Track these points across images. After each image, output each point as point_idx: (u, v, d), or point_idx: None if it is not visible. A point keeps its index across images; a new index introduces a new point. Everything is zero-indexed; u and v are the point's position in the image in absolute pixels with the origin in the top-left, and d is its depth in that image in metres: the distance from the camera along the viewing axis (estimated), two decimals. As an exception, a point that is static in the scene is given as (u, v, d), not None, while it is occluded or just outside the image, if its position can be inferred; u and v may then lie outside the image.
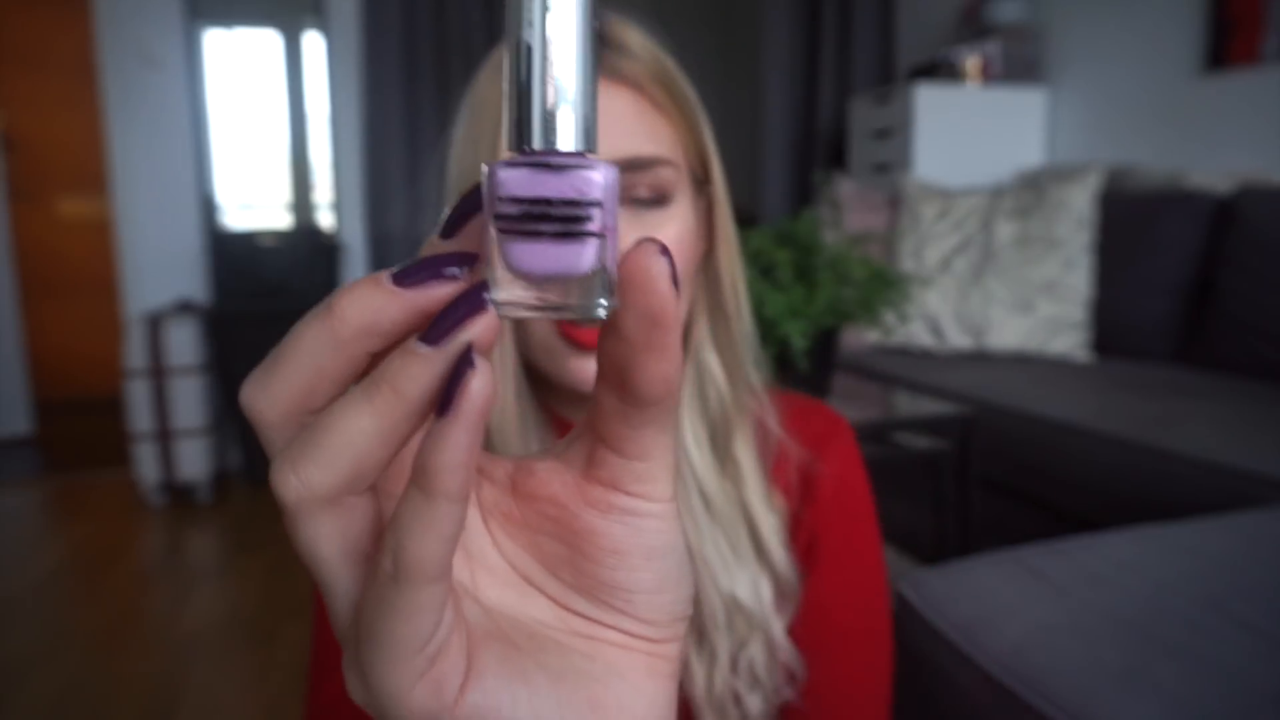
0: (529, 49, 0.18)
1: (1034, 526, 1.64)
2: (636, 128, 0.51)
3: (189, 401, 2.75)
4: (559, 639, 0.22)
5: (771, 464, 0.60)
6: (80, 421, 3.78)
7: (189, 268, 3.18)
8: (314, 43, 3.40)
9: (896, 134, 2.84)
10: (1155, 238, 2.14)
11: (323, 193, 3.54)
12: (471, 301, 0.18)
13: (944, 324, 2.32)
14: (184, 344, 2.72)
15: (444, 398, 0.18)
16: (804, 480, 0.62)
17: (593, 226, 0.18)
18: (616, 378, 0.20)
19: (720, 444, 0.58)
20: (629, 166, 0.51)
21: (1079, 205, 2.24)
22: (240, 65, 3.36)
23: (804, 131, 3.61)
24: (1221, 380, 1.89)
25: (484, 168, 0.19)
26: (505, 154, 0.19)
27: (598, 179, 0.18)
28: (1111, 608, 0.83)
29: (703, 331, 0.58)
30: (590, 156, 0.19)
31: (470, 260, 0.19)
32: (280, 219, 3.56)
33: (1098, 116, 2.66)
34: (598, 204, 0.18)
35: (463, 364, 0.18)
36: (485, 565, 0.23)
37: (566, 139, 0.19)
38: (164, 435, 2.74)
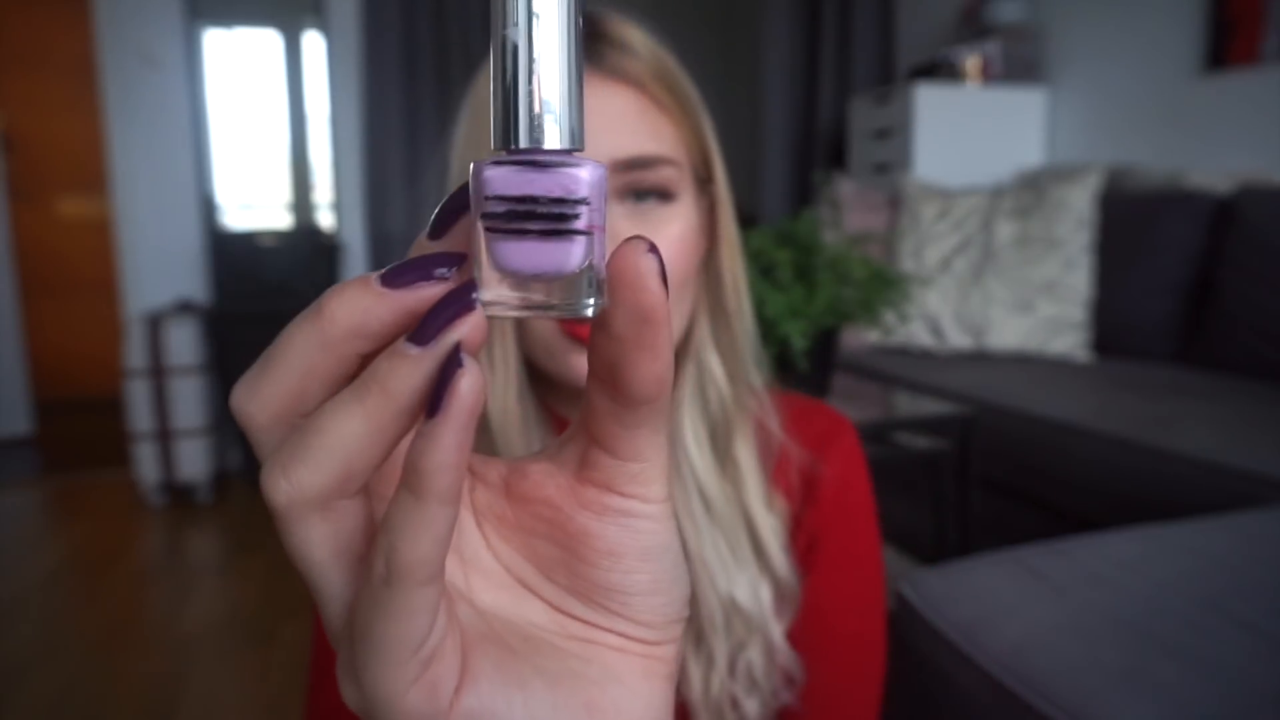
0: (514, 47, 0.18)
1: (1034, 526, 1.64)
2: (639, 126, 0.51)
3: (189, 401, 2.75)
4: (554, 642, 0.22)
5: (772, 465, 0.60)
6: (80, 421, 3.78)
7: (189, 268, 3.18)
8: (314, 43, 3.40)
9: (896, 134, 2.84)
10: (1155, 238, 2.14)
11: (323, 193, 3.54)
12: (459, 301, 0.18)
13: (944, 324, 2.32)
14: (184, 344, 2.72)
15: (433, 398, 0.17)
16: (805, 482, 0.61)
17: (580, 224, 0.18)
18: (608, 377, 0.19)
19: (721, 445, 0.57)
20: (632, 165, 0.50)
21: (1079, 205, 2.24)
22: (240, 65, 3.36)
23: (804, 131, 3.61)
24: (1221, 380, 1.89)
25: (471, 166, 0.18)
26: (492, 153, 0.19)
27: (584, 177, 0.18)
28: (1111, 608, 0.83)
29: (704, 331, 0.57)
30: (577, 155, 0.19)
31: (459, 260, 0.19)
32: (280, 219, 3.56)
33: (1098, 116, 2.66)
34: (585, 202, 0.18)
35: (451, 364, 0.18)
36: (479, 568, 0.23)
37: (553, 137, 0.18)
38: (164, 435, 2.74)
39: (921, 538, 1.67)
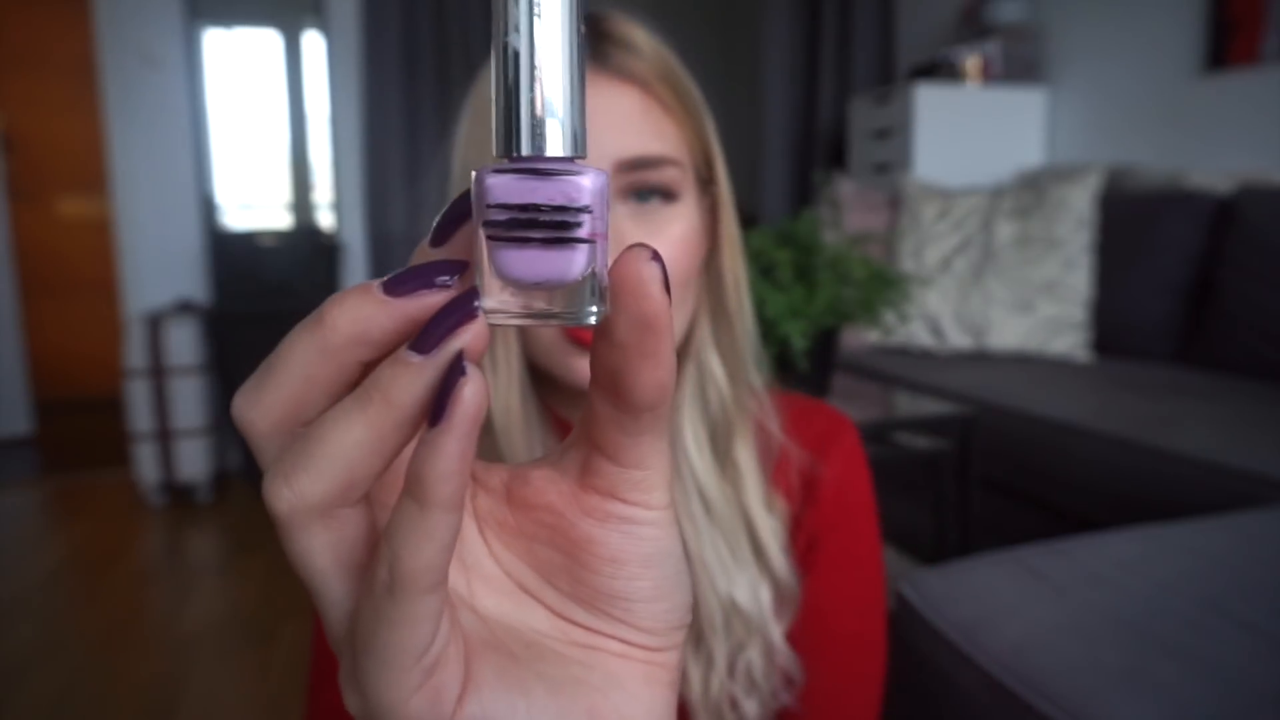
0: (516, 54, 0.18)
1: (1034, 526, 1.64)
2: (643, 126, 0.51)
3: (189, 401, 2.75)
4: (557, 648, 0.22)
5: (773, 466, 0.60)
6: (80, 421, 3.78)
7: (189, 268, 3.18)
8: (314, 43, 3.40)
9: (896, 134, 2.84)
10: (1155, 238, 2.14)
11: (323, 193, 3.54)
12: (462, 309, 0.18)
13: (944, 324, 2.32)
14: (184, 344, 2.72)
15: (436, 406, 0.17)
16: (805, 483, 0.61)
17: (582, 232, 0.18)
18: (610, 384, 0.19)
19: (721, 446, 0.57)
20: (636, 165, 0.50)
21: (1079, 205, 2.24)
22: (240, 65, 3.36)
23: (804, 131, 3.61)
24: (1221, 380, 1.89)
25: (473, 174, 0.18)
26: (494, 160, 0.19)
27: (587, 184, 0.18)
28: (1111, 608, 0.83)
29: (704, 332, 0.57)
30: (579, 162, 0.19)
31: (461, 268, 0.19)
32: (280, 219, 3.56)
33: (1098, 116, 2.66)
34: (587, 210, 0.18)
35: (454, 372, 0.17)
36: (482, 575, 0.23)
37: (555, 144, 0.18)
38: (164, 435, 2.74)
39: (921, 538, 1.67)
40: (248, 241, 3.27)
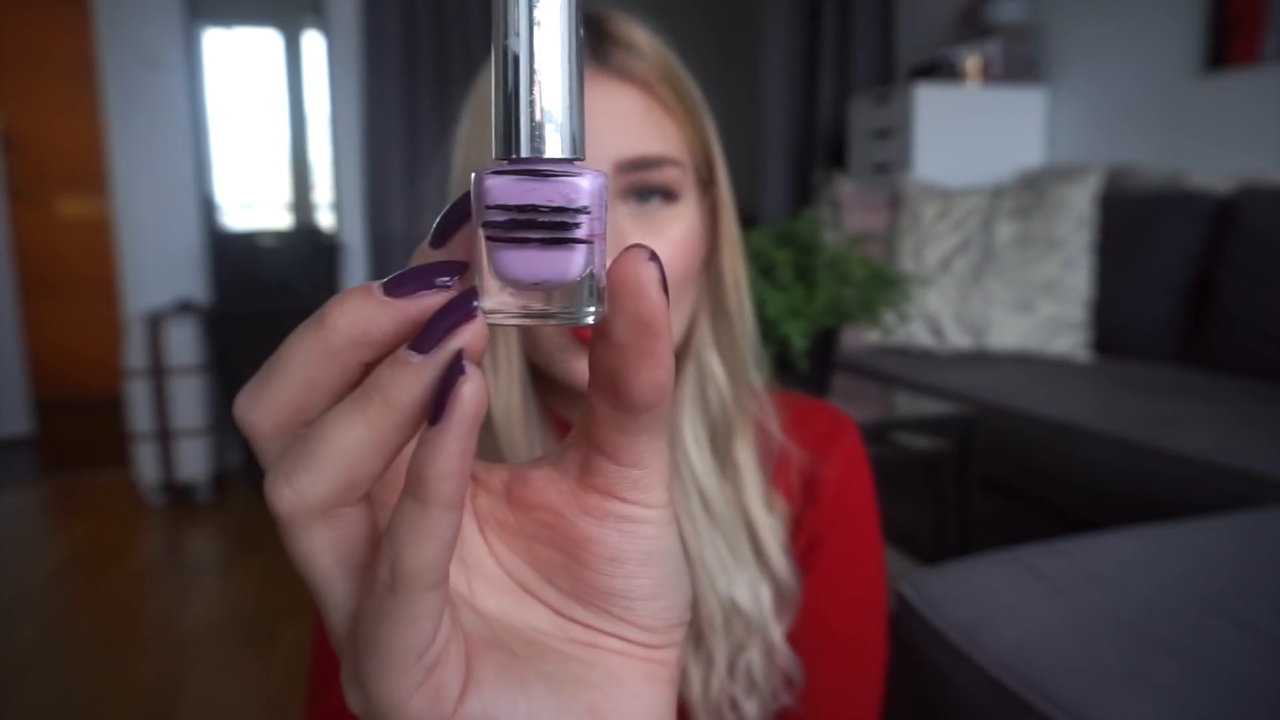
0: (515, 57, 0.18)
1: (1034, 526, 1.64)
2: (644, 127, 0.51)
3: (189, 401, 2.75)
4: (557, 646, 0.22)
5: (773, 467, 0.60)
6: (80, 421, 3.78)
7: (189, 268, 3.18)
8: (314, 43, 3.40)
9: (896, 134, 2.84)
10: (1155, 238, 2.14)
11: (323, 193, 3.54)
12: (461, 309, 0.18)
13: (944, 324, 2.32)
14: (184, 344, 2.72)
15: (436, 405, 0.17)
16: (806, 483, 0.61)
17: (581, 233, 0.18)
18: (609, 384, 0.19)
19: (721, 446, 0.57)
20: (637, 165, 0.50)
21: (1079, 205, 2.24)
22: (240, 65, 3.36)
23: (804, 131, 3.61)
24: (1221, 380, 1.89)
25: (472, 175, 0.19)
26: (494, 161, 0.19)
27: (585, 186, 0.18)
28: (1111, 608, 0.83)
29: (705, 332, 0.57)
30: (578, 164, 0.19)
31: (461, 269, 0.19)
32: (280, 219, 3.56)
33: (1098, 116, 2.66)
34: (585, 210, 0.18)
35: (454, 371, 0.18)
36: (482, 574, 0.23)
37: (554, 146, 0.19)
38: (164, 435, 2.74)
39: (921, 538, 1.67)
40: (248, 241, 3.27)
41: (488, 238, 0.18)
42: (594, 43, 0.51)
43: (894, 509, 0.89)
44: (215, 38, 3.28)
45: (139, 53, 3.05)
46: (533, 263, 0.18)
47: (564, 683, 0.21)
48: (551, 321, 0.19)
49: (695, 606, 0.54)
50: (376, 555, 0.19)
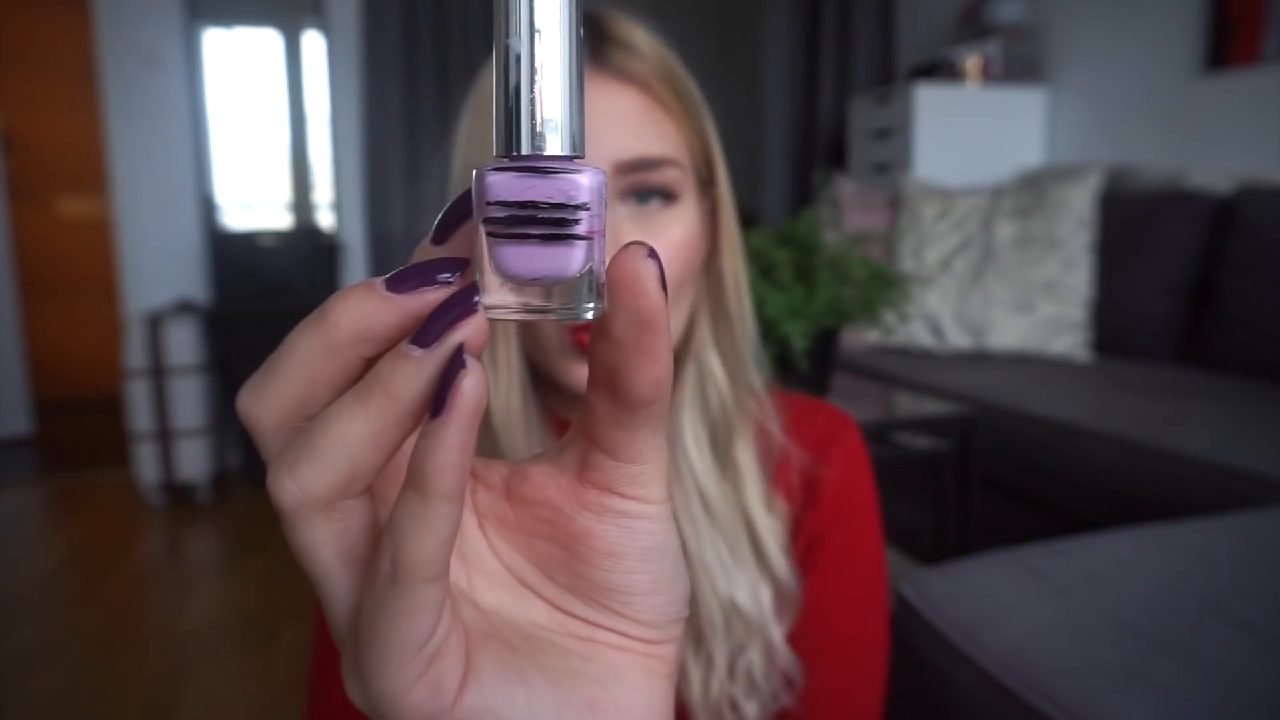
0: (516, 56, 0.19)
1: (1034, 526, 1.64)
2: (644, 127, 0.51)
3: (189, 401, 2.75)
4: (556, 641, 0.22)
5: (774, 468, 0.60)
6: (80, 421, 3.78)
7: (189, 268, 3.18)
8: (314, 43, 3.40)
9: (896, 134, 2.84)
10: (1155, 238, 2.14)
11: (323, 193, 3.54)
12: (462, 303, 0.18)
13: (944, 324, 2.32)
14: (184, 344, 2.72)
15: (437, 399, 0.18)
16: (806, 484, 0.61)
17: (580, 229, 0.19)
18: (608, 381, 0.20)
19: (721, 447, 0.57)
20: (636, 166, 0.50)
21: (1079, 205, 2.24)
22: (240, 65, 3.36)
23: (804, 131, 3.61)
24: (1221, 380, 1.89)
25: (474, 172, 0.19)
26: (495, 158, 0.19)
27: (584, 183, 0.19)
28: (1111, 608, 0.83)
29: (705, 333, 0.57)
30: (578, 161, 0.19)
31: (461, 265, 0.19)
32: (280, 219, 3.56)
33: (1098, 116, 2.66)
34: (585, 207, 0.19)
35: (454, 365, 0.18)
36: (481, 569, 0.23)
37: (554, 144, 0.19)
38: (164, 435, 2.74)
39: (921, 538, 1.67)
40: (248, 241, 3.27)
41: (488, 233, 0.19)
42: (593, 43, 0.51)
43: (894, 509, 0.89)
44: (215, 38, 3.28)
45: (139, 53, 3.05)
46: (532, 259, 0.18)
47: (562, 676, 0.21)
48: (551, 317, 0.19)
49: (695, 607, 0.54)
50: (378, 548, 0.19)
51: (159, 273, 3.14)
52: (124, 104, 3.05)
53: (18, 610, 2.08)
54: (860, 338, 2.37)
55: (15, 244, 3.55)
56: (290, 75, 3.45)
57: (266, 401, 0.20)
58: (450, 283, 0.19)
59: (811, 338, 1.36)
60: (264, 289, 3.12)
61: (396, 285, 0.19)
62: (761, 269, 1.34)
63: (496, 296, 0.19)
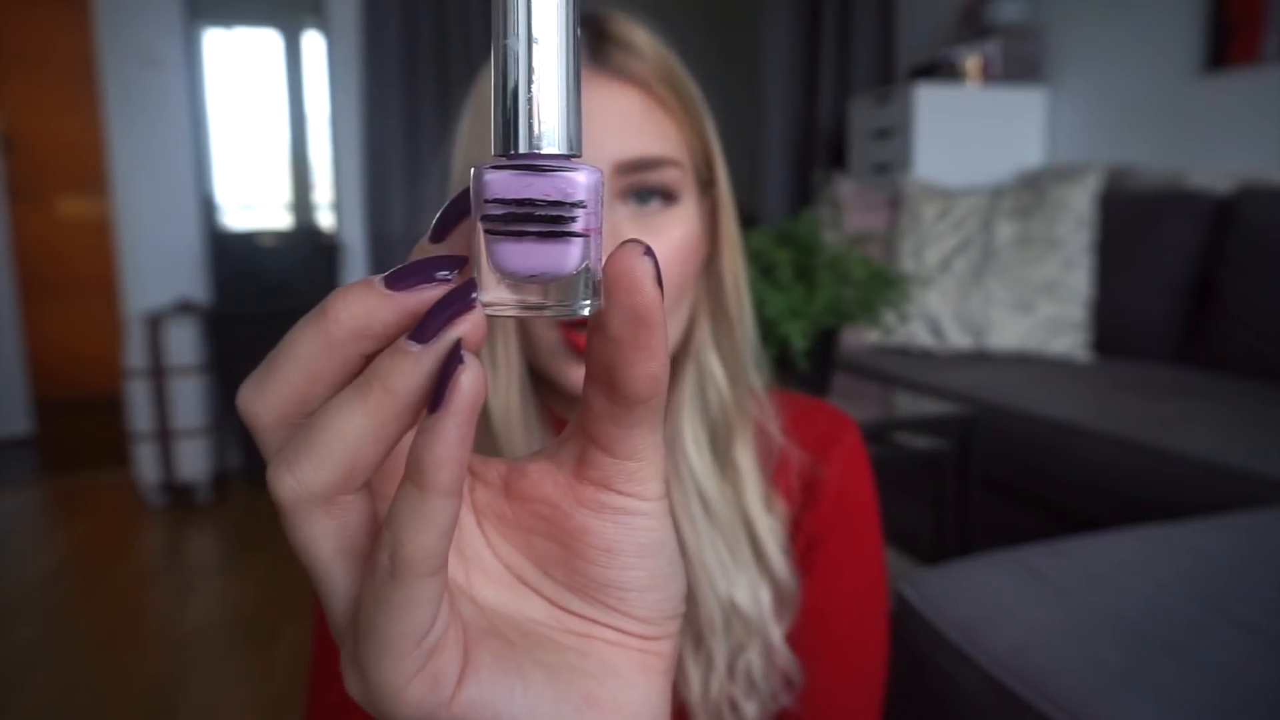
0: (514, 55, 0.19)
1: (1034, 526, 1.64)
2: (644, 127, 0.51)
3: (189, 401, 2.75)
4: (553, 637, 0.23)
5: (773, 468, 0.60)
6: (80, 421, 3.78)
7: (189, 268, 3.18)
8: (314, 43, 3.40)
9: (896, 134, 2.84)
10: (1155, 238, 2.14)
11: (323, 193, 3.54)
12: (460, 300, 0.19)
13: (944, 324, 2.32)
14: (184, 344, 2.72)
15: (435, 394, 0.18)
16: (806, 485, 0.61)
17: (577, 227, 0.19)
18: (604, 378, 0.20)
19: (720, 447, 0.57)
20: (636, 167, 0.50)
21: (1079, 205, 2.24)
22: (240, 65, 3.36)
23: (804, 131, 3.61)
24: (1221, 380, 1.89)
25: (472, 170, 0.19)
26: (493, 157, 0.20)
27: (582, 180, 0.19)
28: (1111, 608, 0.83)
29: (704, 334, 0.57)
30: (575, 159, 0.19)
31: (460, 263, 0.20)
32: (280, 219, 3.56)
33: (1098, 116, 2.66)
34: (581, 205, 0.19)
35: (452, 360, 0.18)
36: (480, 566, 0.23)
37: (551, 142, 0.19)
38: (164, 435, 2.74)
39: (921, 538, 1.67)
40: (248, 241, 3.27)
41: (486, 231, 0.19)
42: (593, 43, 0.51)
43: (894, 509, 0.89)
44: (215, 38, 3.28)
45: (139, 53, 3.05)
46: (530, 255, 0.19)
47: (560, 672, 0.22)
48: (548, 313, 0.19)
49: (695, 607, 0.54)
50: (377, 542, 0.19)
51: (159, 273, 3.14)
52: (124, 104, 3.05)
53: (18, 610, 2.08)
54: (860, 338, 2.37)
55: (15, 244, 3.55)
56: (290, 75, 3.45)
57: (266, 398, 0.20)
58: (448, 280, 0.19)
59: (811, 338, 1.36)
60: (264, 289, 3.12)
61: (395, 283, 0.19)
62: (761, 269, 1.34)
63: (494, 293, 0.19)
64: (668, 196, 0.52)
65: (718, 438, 0.57)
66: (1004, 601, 0.86)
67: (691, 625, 0.55)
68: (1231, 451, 1.37)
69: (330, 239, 3.37)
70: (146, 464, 2.74)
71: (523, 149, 0.19)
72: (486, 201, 0.19)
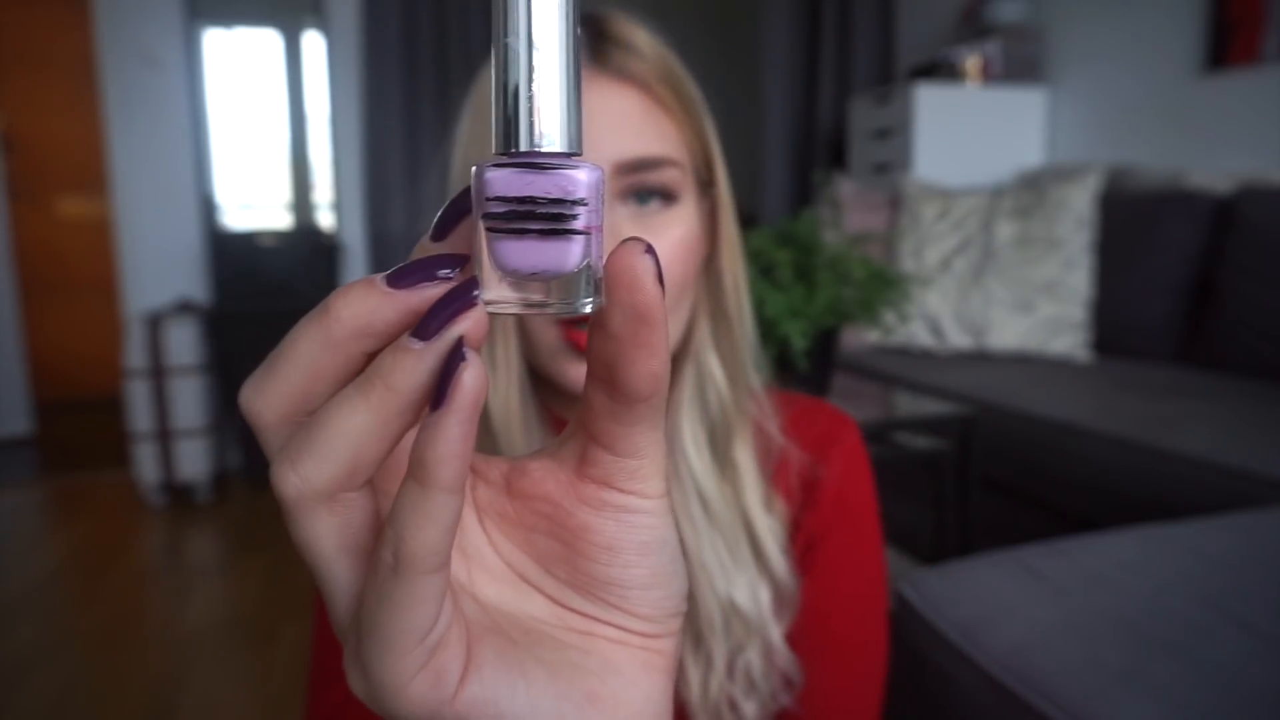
0: (515, 54, 0.19)
1: (1034, 526, 1.64)
2: (643, 128, 0.51)
3: (189, 401, 2.75)
4: (555, 635, 0.23)
5: (773, 468, 0.60)
6: (80, 421, 3.78)
7: (189, 268, 3.18)
8: (314, 43, 3.40)
9: (896, 134, 2.84)
10: (1155, 238, 2.14)
11: (323, 193, 3.54)
12: (462, 297, 0.19)
13: (944, 324, 2.32)
14: (184, 344, 2.72)
15: (437, 391, 0.18)
16: (805, 485, 0.61)
17: (578, 225, 0.19)
18: (606, 375, 0.20)
19: (720, 447, 0.57)
20: (636, 167, 0.50)
21: (1079, 205, 2.24)
22: (240, 65, 3.36)
23: (804, 131, 3.61)
24: (1221, 380, 1.89)
25: (473, 169, 0.19)
26: (494, 156, 0.20)
27: (583, 178, 0.19)
28: (1111, 608, 0.83)
29: (704, 334, 0.57)
30: (575, 158, 0.19)
31: (461, 262, 0.20)
32: (280, 219, 3.56)
33: (1098, 116, 2.66)
34: (582, 203, 0.19)
35: (454, 358, 0.18)
36: (482, 564, 0.23)
37: (552, 141, 0.19)
38: (164, 435, 2.74)
39: (921, 538, 1.67)
40: (248, 241, 3.27)
41: (487, 229, 0.19)
42: (593, 43, 0.51)
43: (894, 509, 0.89)
44: (215, 38, 3.28)
45: (139, 53, 3.05)
46: (531, 253, 0.19)
47: (562, 669, 0.22)
48: (549, 311, 0.19)
49: (694, 607, 0.54)
50: (380, 539, 0.19)
51: (159, 273, 3.14)
52: (124, 104, 3.05)
53: (18, 610, 2.08)
54: (860, 338, 2.37)
55: (15, 244, 3.55)
56: (290, 75, 3.45)
57: (269, 396, 0.20)
58: (450, 278, 0.19)
59: (811, 338, 1.36)
60: (264, 289, 3.12)
61: (397, 281, 0.19)
62: (761, 269, 1.34)
63: (496, 291, 0.19)
64: (667, 197, 0.52)
65: (717, 437, 0.57)
66: (1004, 601, 0.86)
67: (691, 625, 0.55)
68: (1231, 451, 1.37)
69: (330, 239, 3.37)
70: (146, 464, 2.74)
71: (523, 147, 0.19)
72: (488, 200, 0.19)
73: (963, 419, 1.57)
